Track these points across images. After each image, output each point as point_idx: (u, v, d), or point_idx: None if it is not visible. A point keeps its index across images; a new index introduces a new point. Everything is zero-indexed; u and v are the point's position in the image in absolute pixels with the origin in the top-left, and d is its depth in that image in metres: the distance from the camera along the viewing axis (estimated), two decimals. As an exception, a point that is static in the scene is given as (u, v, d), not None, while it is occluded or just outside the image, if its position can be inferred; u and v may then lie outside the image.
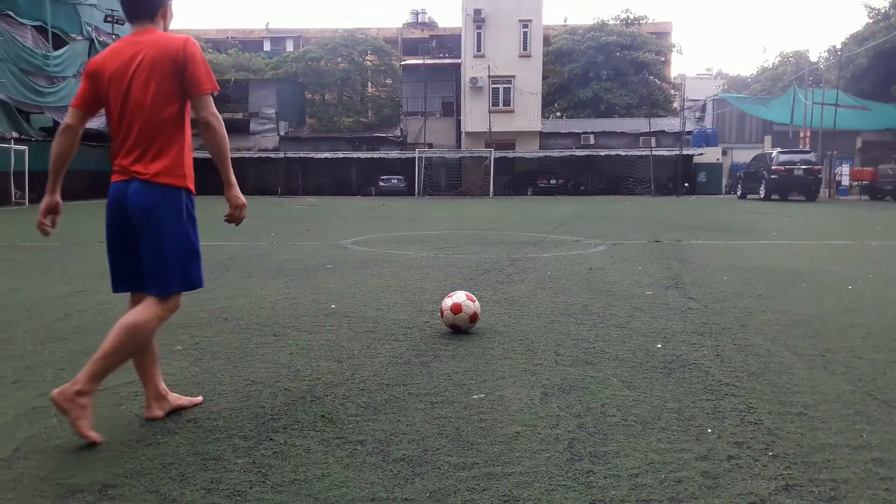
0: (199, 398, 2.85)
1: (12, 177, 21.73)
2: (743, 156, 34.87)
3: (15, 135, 23.40)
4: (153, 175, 2.47)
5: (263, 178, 34.14)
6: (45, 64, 25.78)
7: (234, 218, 2.60)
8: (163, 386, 2.71)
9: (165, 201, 2.48)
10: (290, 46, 50.03)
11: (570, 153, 33.60)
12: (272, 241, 9.82)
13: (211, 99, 2.48)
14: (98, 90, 2.54)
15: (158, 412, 2.66)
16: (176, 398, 2.75)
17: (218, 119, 2.48)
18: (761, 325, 4.34)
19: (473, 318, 4.11)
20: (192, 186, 2.58)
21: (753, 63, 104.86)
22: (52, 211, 2.71)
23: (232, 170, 2.56)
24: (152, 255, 2.49)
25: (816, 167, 24.89)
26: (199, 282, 2.61)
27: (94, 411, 2.46)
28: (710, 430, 2.57)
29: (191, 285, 2.58)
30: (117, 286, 2.68)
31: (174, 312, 2.62)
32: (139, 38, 2.50)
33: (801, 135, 32.31)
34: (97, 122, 27.96)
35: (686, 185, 33.72)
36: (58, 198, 2.70)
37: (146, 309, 2.51)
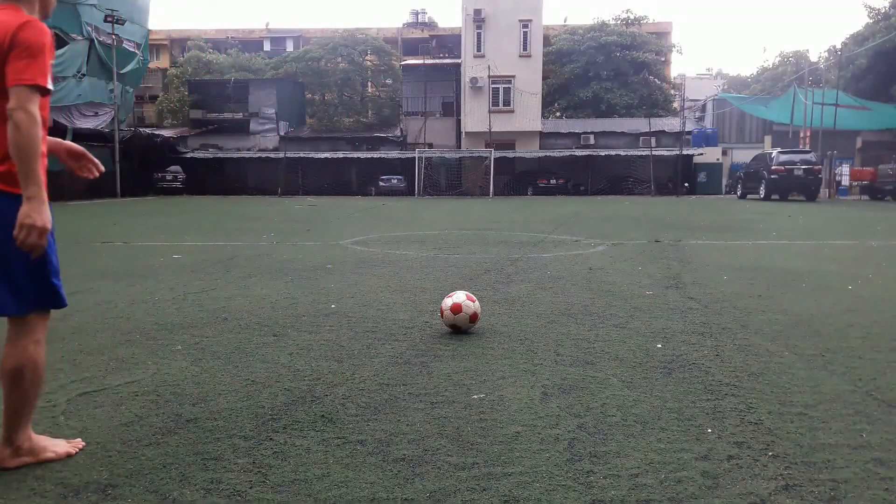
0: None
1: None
2: (743, 156, 34.88)
3: (15, 135, 23.38)
4: None
5: (263, 178, 34.18)
6: (45, 64, 25.73)
7: (19, 240, 2.05)
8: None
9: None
10: (290, 46, 50.03)
11: (570, 153, 33.62)
12: (272, 241, 9.82)
13: (24, 91, 2.01)
14: None
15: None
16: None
17: (28, 117, 2.01)
18: (761, 325, 4.34)
19: (473, 318, 4.11)
20: (17, 190, 2.11)
21: (753, 63, 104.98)
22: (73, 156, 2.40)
23: (39, 182, 2.06)
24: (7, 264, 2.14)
25: (816, 167, 24.89)
26: (62, 299, 2.31)
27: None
28: (710, 430, 2.57)
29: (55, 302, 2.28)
30: None
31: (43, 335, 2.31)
32: None
33: (801, 135, 32.32)
34: (96, 123, 27.70)
35: (686, 185, 33.72)
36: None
37: (18, 342, 2.22)
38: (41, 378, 2.28)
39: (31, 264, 2.16)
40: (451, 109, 36.56)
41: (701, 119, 42.29)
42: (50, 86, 2.09)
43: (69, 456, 2.33)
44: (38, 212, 2.05)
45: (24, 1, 2.18)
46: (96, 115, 29.32)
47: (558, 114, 40.28)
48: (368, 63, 42.85)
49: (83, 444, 2.42)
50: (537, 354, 3.65)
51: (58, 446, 2.34)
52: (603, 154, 33.77)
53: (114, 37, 28.93)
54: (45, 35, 2.08)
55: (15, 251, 2.09)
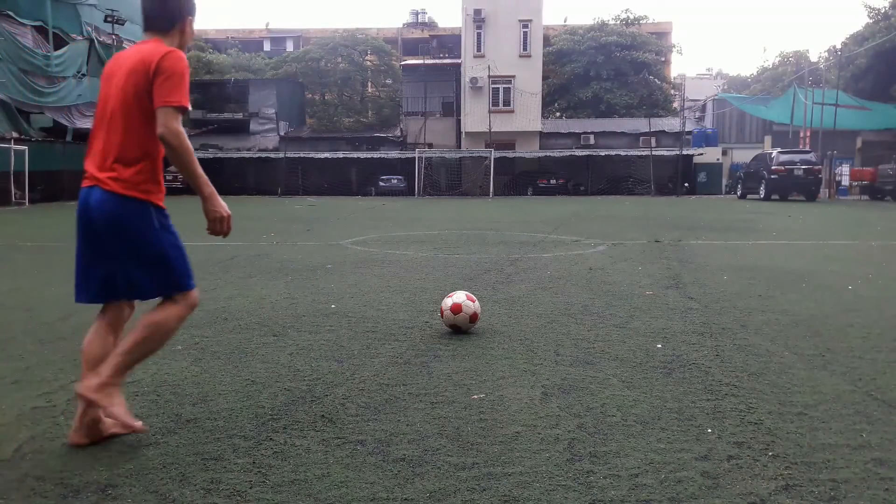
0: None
1: (12, 177, 21.73)
2: (743, 156, 34.86)
3: (15, 135, 23.40)
4: (115, 185, 2.36)
5: (263, 178, 34.15)
6: (46, 64, 25.78)
7: (215, 232, 2.49)
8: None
9: (131, 213, 2.38)
10: (290, 46, 50.04)
11: (569, 153, 33.59)
12: (272, 241, 9.81)
13: (169, 112, 2.31)
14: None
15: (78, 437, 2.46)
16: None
17: (175, 134, 2.31)
18: (761, 325, 4.34)
19: (473, 318, 4.11)
20: (159, 203, 2.46)
21: (753, 63, 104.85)
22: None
23: (205, 182, 2.41)
24: (143, 264, 2.42)
25: (816, 167, 24.88)
26: (191, 279, 2.54)
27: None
28: (710, 430, 2.57)
29: (188, 284, 2.52)
30: (82, 296, 2.51)
31: (193, 310, 2.58)
32: (139, 47, 2.46)
33: (801, 135, 32.31)
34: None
35: (686, 185, 33.71)
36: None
37: (167, 307, 2.49)
38: (161, 344, 2.53)
39: (166, 255, 2.44)
40: (451, 109, 36.54)
41: (701, 119, 42.28)
42: (189, 106, 2.40)
43: (124, 425, 2.45)
44: (219, 204, 2.45)
45: (166, 35, 2.48)
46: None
47: (558, 114, 40.26)
48: (368, 63, 42.84)
49: (144, 427, 2.51)
50: (537, 354, 3.65)
51: (126, 417, 2.44)
52: (603, 154, 33.75)
53: (114, 37, 28.92)
54: (185, 63, 2.38)
55: (149, 244, 2.40)
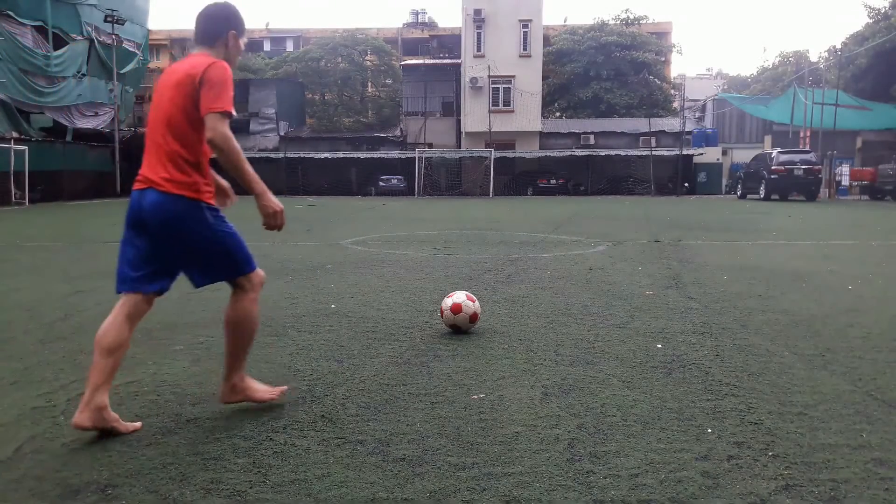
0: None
1: (12, 177, 21.73)
2: (743, 156, 34.87)
3: (15, 135, 23.41)
4: (168, 185, 2.52)
5: (263, 178, 32.53)
6: (46, 64, 25.79)
7: (270, 226, 2.67)
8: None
9: (184, 211, 2.54)
10: (290, 46, 50.02)
11: (569, 153, 33.59)
12: (272, 241, 9.81)
13: (216, 118, 2.46)
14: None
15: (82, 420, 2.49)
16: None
17: (223, 138, 2.46)
18: (761, 325, 4.34)
19: (473, 318, 4.11)
20: (209, 201, 2.63)
21: (753, 63, 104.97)
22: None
23: (255, 180, 2.58)
24: (206, 255, 2.62)
25: (816, 167, 24.88)
26: (253, 262, 2.74)
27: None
28: (710, 430, 2.57)
29: (250, 266, 2.71)
30: (124, 286, 2.66)
31: (261, 287, 2.78)
32: (189, 60, 2.63)
33: (801, 135, 32.31)
34: (96, 123, 27.64)
35: (686, 185, 33.71)
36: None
37: (238, 299, 2.70)
38: (254, 328, 2.75)
39: (225, 244, 2.63)
40: (451, 109, 36.53)
41: (701, 119, 42.28)
42: (234, 112, 2.54)
43: (272, 400, 2.81)
44: (271, 200, 2.63)
45: (212, 48, 2.68)
46: (96, 115, 29.31)
47: (558, 114, 40.27)
48: (368, 63, 42.85)
49: (284, 388, 2.90)
50: (537, 354, 3.65)
51: (264, 392, 2.82)
52: (603, 154, 33.75)
53: (114, 37, 28.93)
54: (228, 72, 2.55)
55: (205, 238, 2.58)
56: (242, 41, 2.78)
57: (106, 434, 2.51)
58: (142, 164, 2.60)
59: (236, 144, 2.51)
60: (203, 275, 2.66)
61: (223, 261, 2.64)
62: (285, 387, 2.92)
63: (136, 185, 2.59)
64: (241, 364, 2.76)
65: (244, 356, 2.77)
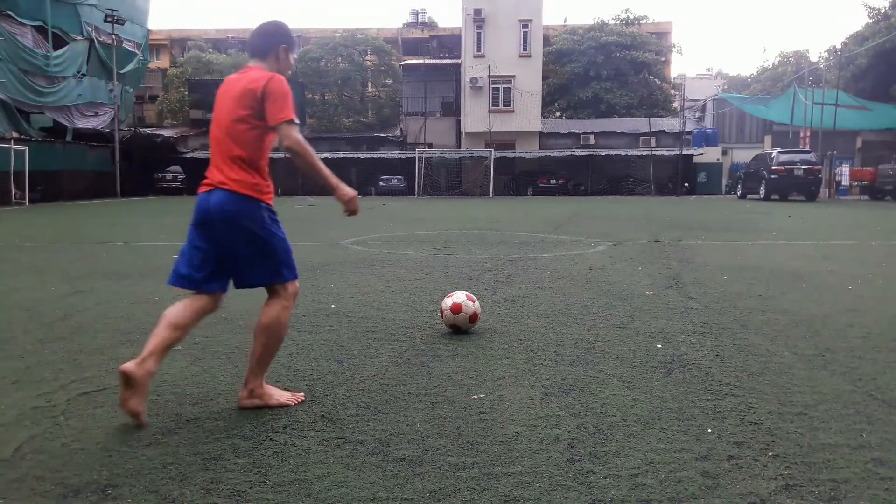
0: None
1: (12, 177, 21.73)
2: (743, 156, 34.88)
3: (15, 135, 23.41)
4: (234, 185, 2.72)
5: None
6: (45, 64, 25.80)
7: (350, 211, 2.98)
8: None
9: (245, 209, 2.73)
10: (290, 46, 49.91)
11: (569, 153, 33.61)
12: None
13: (286, 126, 2.69)
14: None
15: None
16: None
17: (298, 143, 2.70)
18: (761, 325, 4.34)
19: (473, 318, 4.11)
20: (269, 202, 2.82)
21: (753, 63, 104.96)
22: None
23: (330, 175, 2.83)
24: (254, 254, 2.77)
25: (816, 167, 24.88)
26: (295, 271, 2.92)
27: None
28: (710, 430, 2.57)
29: (289, 275, 2.87)
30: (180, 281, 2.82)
31: (294, 299, 2.92)
32: (244, 73, 2.87)
33: (801, 135, 32.32)
34: (96, 123, 27.60)
35: (686, 185, 33.72)
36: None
37: (271, 305, 2.85)
38: (282, 335, 2.89)
39: (274, 247, 2.81)
40: (451, 109, 36.55)
41: (701, 119, 42.28)
42: (297, 119, 2.76)
43: (288, 406, 2.83)
44: (346, 189, 2.90)
45: (264, 60, 2.91)
46: (96, 115, 29.32)
47: (558, 114, 40.28)
48: (368, 63, 42.82)
49: (303, 397, 2.94)
50: (537, 354, 3.65)
51: (282, 396, 2.88)
52: (603, 154, 33.76)
53: (114, 37, 28.93)
54: (286, 85, 2.77)
55: (261, 238, 2.76)
56: (292, 56, 3.00)
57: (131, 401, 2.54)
58: (208, 169, 2.80)
59: (309, 147, 2.75)
60: (247, 275, 2.81)
61: (268, 263, 2.80)
62: (303, 395, 2.95)
63: (203, 188, 2.78)
64: (264, 370, 2.86)
65: (268, 362, 2.88)
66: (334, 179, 2.85)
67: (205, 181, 2.79)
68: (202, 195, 2.77)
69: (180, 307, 2.76)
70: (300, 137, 2.73)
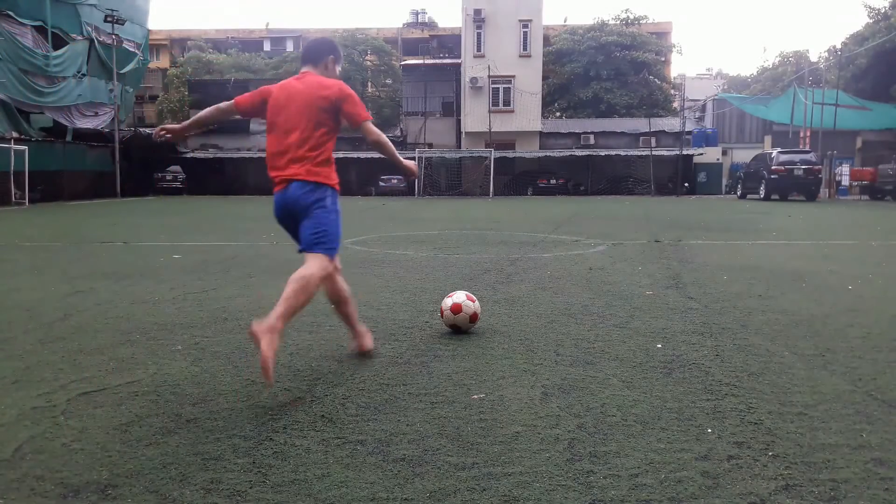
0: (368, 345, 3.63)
1: (12, 177, 21.73)
2: (743, 156, 34.88)
3: (15, 135, 23.40)
4: (307, 175, 3.19)
5: (263, 178, 33.55)
6: (45, 64, 25.79)
7: (410, 177, 3.86)
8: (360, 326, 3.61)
9: (315, 189, 3.21)
10: (290, 46, 50.01)
11: (569, 153, 33.61)
12: (272, 241, 9.81)
13: (369, 124, 3.28)
14: (259, 108, 3.38)
15: (369, 343, 3.61)
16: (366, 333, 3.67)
17: (379, 136, 3.29)
18: (761, 325, 4.34)
19: (473, 318, 4.11)
20: (335, 187, 3.31)
21: (753, 63, 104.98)
22: (171, 131, 3.56)
23: (402, 159, 3.54)
24: (313, 225, 3.22)
25: (816, 167, 24.89)
26: (335, 249, 3.30)
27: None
28: (710, 430, 2.57)
29: (332, 250, 3.26)
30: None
31: (328, 272, 3.25)
32: (301, 79, 3.32)
33: (801, 135, 32.32)
34: (96, 123, 27.67)
35: (686, 185, 33.72)
36: (181, 133, 3.62)
37: (310, 265, 3.19)
38: (310, 296, 3.16)
39: (328, 219, 3.25)
40: (451, 109, 36.54)
41: (701, 119, 42.28)
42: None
43: (264, 366, 2.82)
44: (409, 163, 3.60)
45: (316, 66, 3.40)
46: (96, 115, 29.32)
47: (558, 114, 40.27)
48: (368, 63, 42.84)
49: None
50: (537, 354, 3.65)
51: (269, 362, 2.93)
52: (603, 154, 33.76)
53: (114, 37, 28.93)
54: (350, 88, 3.30)
55: (323, 215, 3.23)
56: (338, 67, 3.46)
57: None
58: (275, 170, 3.25)
59: (387, 139, 3.36)
60: (303, 236, 3.24)
61: (317, 230, 3.20)
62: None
63: (278, 188, 3.25)
64: (288, 318, 3.04)
65: (294, 312, 3.10)
66: (406, 161, 3.55)
67: (276, 182, 3.24)
68: (278, 194, 3.27)
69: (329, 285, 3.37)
70: (380, 133, 3.28)
